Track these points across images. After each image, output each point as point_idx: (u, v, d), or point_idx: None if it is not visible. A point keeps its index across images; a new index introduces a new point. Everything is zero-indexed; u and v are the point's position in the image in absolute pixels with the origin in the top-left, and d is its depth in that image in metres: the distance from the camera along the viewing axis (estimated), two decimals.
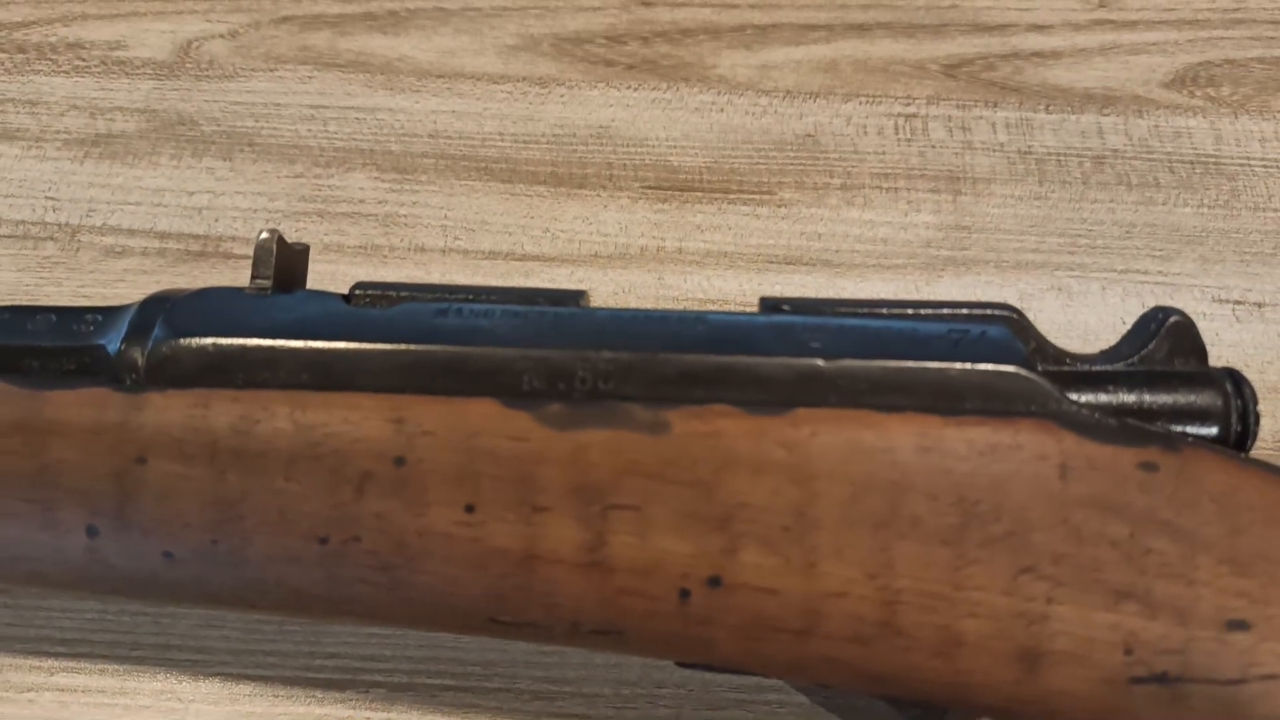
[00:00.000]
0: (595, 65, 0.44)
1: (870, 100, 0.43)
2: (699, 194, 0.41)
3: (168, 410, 0.24)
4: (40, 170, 0.41)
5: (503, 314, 0.26)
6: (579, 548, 0.23)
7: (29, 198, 0.40)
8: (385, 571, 0.24)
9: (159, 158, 0.41)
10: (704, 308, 0.38)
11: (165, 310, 0.26)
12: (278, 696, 0.32)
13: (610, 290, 0.39)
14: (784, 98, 0.43)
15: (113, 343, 0.25)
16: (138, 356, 0.25)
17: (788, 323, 0.25)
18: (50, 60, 0.44)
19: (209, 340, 0.25)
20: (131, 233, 0.40)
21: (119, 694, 0.32)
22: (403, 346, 0.25)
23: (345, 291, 0.27)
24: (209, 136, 0.42)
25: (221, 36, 0.44)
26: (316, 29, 0.44)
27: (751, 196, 0.41)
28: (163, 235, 0.40)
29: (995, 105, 0.43)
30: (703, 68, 0.44)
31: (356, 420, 0.24)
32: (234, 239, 0.40)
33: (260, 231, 0.27)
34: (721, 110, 0.43)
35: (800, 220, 0.40)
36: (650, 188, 0.41)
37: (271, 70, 0.43)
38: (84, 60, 0.44)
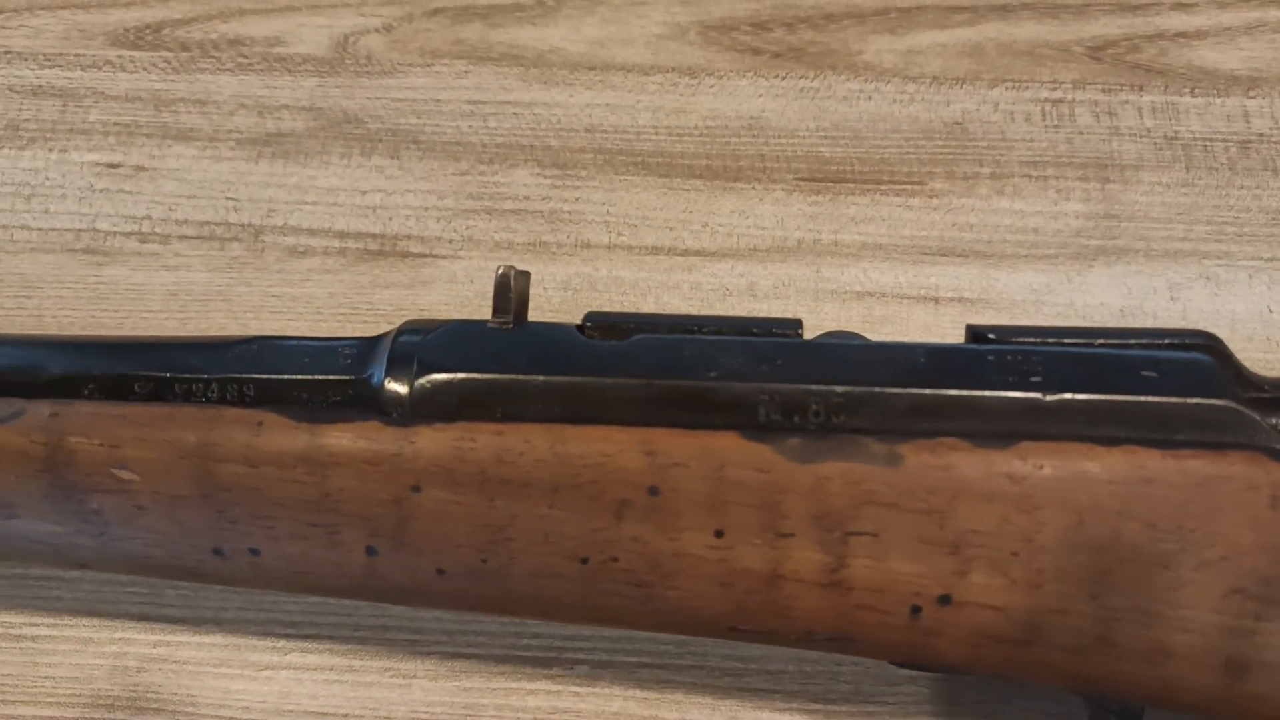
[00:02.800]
0: (743, 54, 0.44)
1: (1016, 85, 0.43)
2: (851, 185, 0.42)
3: (437, 443, 0.27)
4: (218, 170, 0.43)
5: (732, 345, 0.28)
6: (820, 569, 0.26)
7: (210, 198, 0.42)
8: (639, 588, 0.27)
9: (329, 156, 0.43)
10: (862, 301, 0.40)
11: (421, 346, 0.28)
12: (491, 673, 0.35)
13: (770, 285, 0.40)
14: (930, 84, 0.43)
15: (375, 376, 0.28)
16: (403, 391, 0.27)
17: (1005, 354, 0.27)
18: (213, 58, 0.45)
19: (468, 375, 0.27)
20: (312, 232, 0.42)
21: (347, 671, 0.36)
22: (647, 381, 0.27)
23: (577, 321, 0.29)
24: (375, 134, 0.43)
25: (376, 31, 0.45)
26: (468, 21, 0.45)
27: (903, 187, 0.42)
28: (342, 235, 0.42)
29: (1141, 89, 0.43)
30: (848, 54, 0.44)
31: (612, 453, 0.26)
32: (409, 237, 0.41)
33: (498, 268, 0.29)
34: (869, 99, 0.43)
35: (952, 211, 0.41)
36: (803, 179, 0.42)
37: (428, 65, 0.44)
38: (246, 58, 0.45)
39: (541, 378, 0.27)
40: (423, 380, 0.27)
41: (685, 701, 0.35)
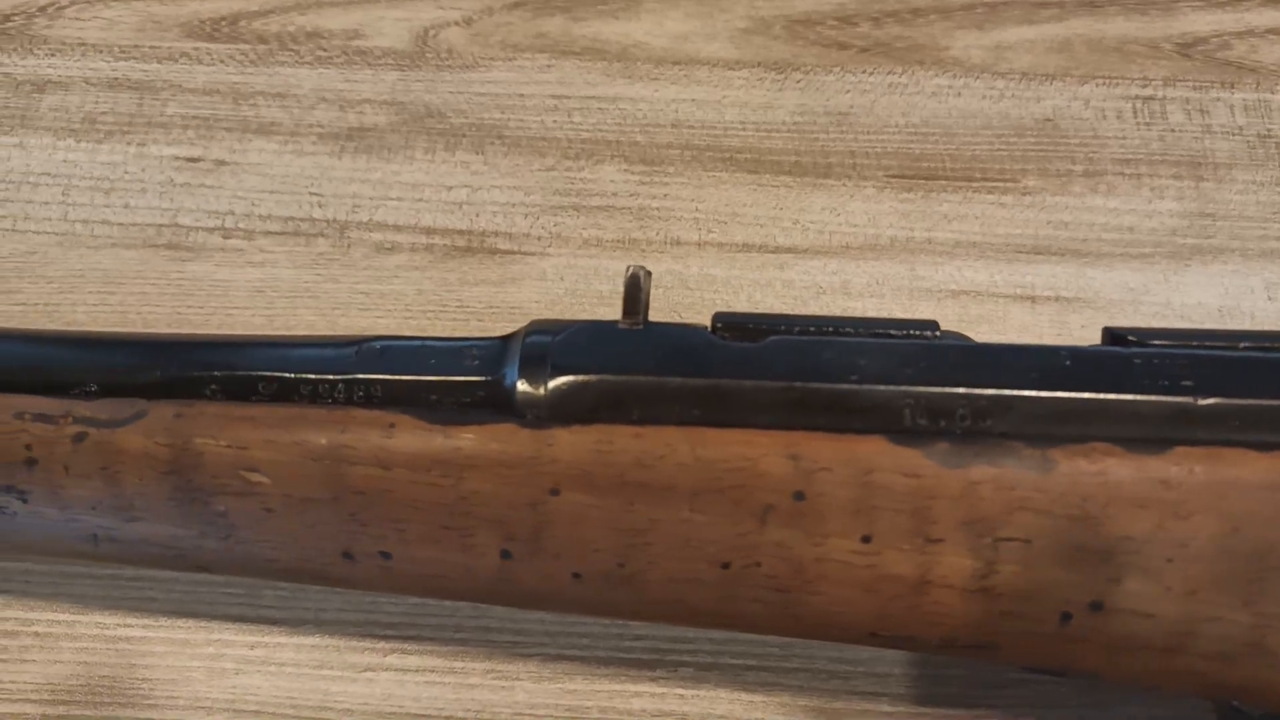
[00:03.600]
0: (828, 49, 0.44)
1: (1107, 82, 0.43)
2: (943, 182, 0.41)
3: (576, 446, 0.26)
4: (300, 165, 0.42)
5: (871, 347, 0.27)
6: (969, 576, 0.25)
7: (294, 194, 0.42)
8: (781, 593, 0.26)
9: (413, 152, 0.42)
10: (957, 299, 0.40)
11: (553, 347, 0.27)
12: (594, 675, 0.35)
13: (864, 283, 0.40)
14: (1020, 80, 0.43)
15: (508, 377, 0.27)
16: (538, 393, 0.27)
17: (1152, 358, 0.26)
18: (292, 51, 0.44)
19: (604, 377, 0.27)
20: (398, 228, 0.41)
21: (449, 673, 0.35)
22: (788, 384, 0.26)
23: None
24: (458, 129, 0.43)
25: (456, 24, 0.45)
26: (549, 15, 0.45)
27: (995, 184, 0.41)
28: (428, 231, 0.41)
29: (1232, 86, 0.43)
30: (936, 49, 0.44)
31: (755, 456, 0.26)
32: (497, 234, 0.41)
33: (629, 268, 0.29)
34: (958, 95, 0.43)
35: (1045, 209, 0.41)
36: (894, 176, 0.42)
37: (510, 59, 0.44)
38: (325, 51, 0.44)
39: (678, 380, 0.26)
40: (558, 382, 0.27)
41: (791, 704, 0.35)
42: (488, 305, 0.40)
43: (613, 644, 0.36)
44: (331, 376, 0.28)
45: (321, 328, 0.40)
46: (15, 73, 0.44)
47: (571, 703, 0.35)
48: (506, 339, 0.29)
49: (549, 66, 0.44)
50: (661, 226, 0.41)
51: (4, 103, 0.43)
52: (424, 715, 0.35)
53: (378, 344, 0.29)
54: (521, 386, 0.27)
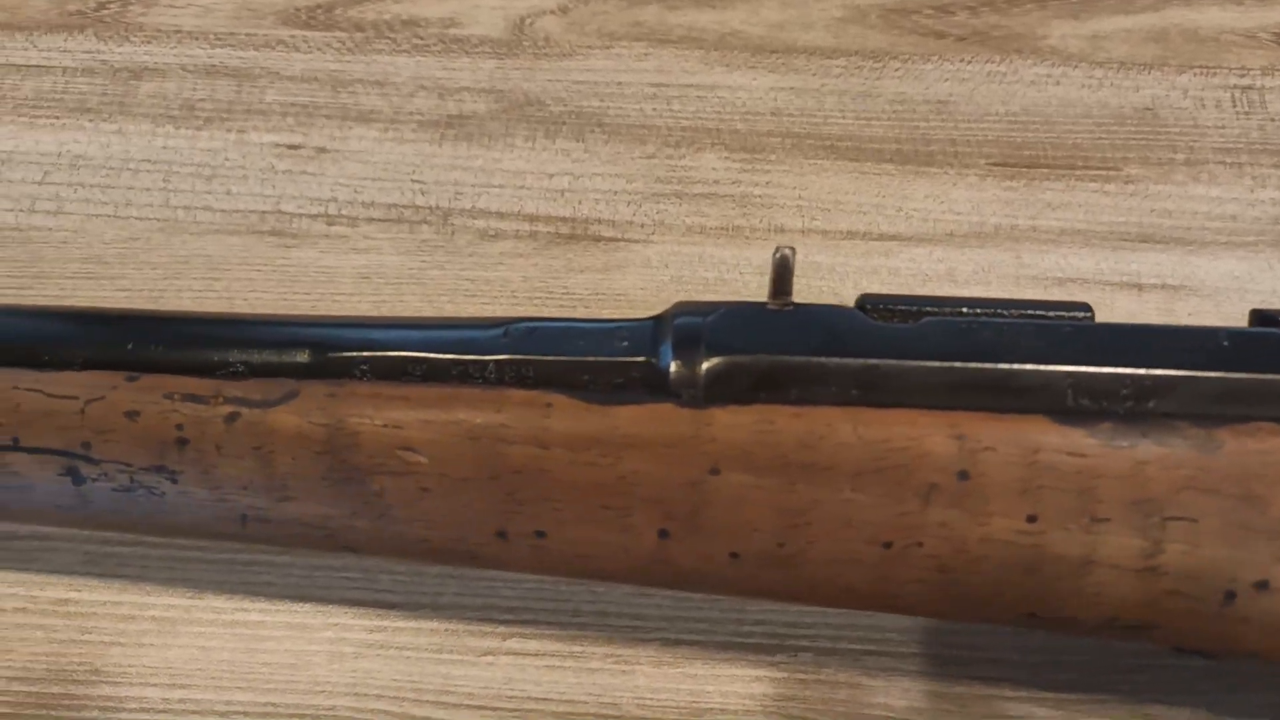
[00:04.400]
0: (925, 37, 0.44)
1: (1204, 71, 0.43)
2: (1045, 170, 0.42)
3: (735, 426, 0.26)
4: (401, 153, 0.42)
5: (1029, 329, 0.27)
6: (1135, 555, 0.25)
7: (396, 181, 0.42)
8: (942, 574, 0.26)
9: (513, 139, 0.42)
10: (1064, 287, 0.40)
11: (706, 328, 0.27)
12: (714, 660, 0.35)
13: (970, 270, 0.40)
14: (1118, 70, 0.43)
15: (662, 358, 0.27)
16: (694, 373, 0.27)
17: None
18: (389, 39, 0.44)
19: (762, 358, 0.27)
20: (501, 215, 0.41)
21: (569, 657, 0.36)
22: (948, 364, 0.26)
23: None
24: (558, 117, 0.43)
25: (552, 12, 0.45)
26: (644, 3, 0.45)
27: (1098, 173, 0.41)
28: (531, 218, 0.41)
29: None
30: (1033, 38, 0.44)
31: (917, 436, 0.26)
32: (600, 221, 0.41)
33: (777, 250, 0.29)
34: (1057, 84, 0.43)
35: (1148, 197, 0.41)
36: (996, 164, 0.42)
37: (607, 48, 0.44)
38: (421, 39, 0.44)
39: (837, 360, 0.26)
40: (714, 362, 0.27)
41: (912, 689, 0.35)
42: (593, 292, 0.40)
43: (731, 629, 0.36)
44: (483, 357, 0.28)
45: (429, 314, 0.40)
46: (112, 60, 0.44)
47: (692, 688, 0.35)
48: (652, 321, 0.29)
49: (646, 55, 0.44)
50: (765, 214, 0.41)
51: (102, 90, 0.44)
52: (546, 699, 0.35)
53: (525, 325, 0.29)
54: (676, 367, 0.27)
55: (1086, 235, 0.41)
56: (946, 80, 0.43)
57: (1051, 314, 0.28)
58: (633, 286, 0.40)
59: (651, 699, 0.35)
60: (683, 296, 0.41)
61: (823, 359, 0.27)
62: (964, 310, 0.28)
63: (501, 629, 0.36)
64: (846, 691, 0.35)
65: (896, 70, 0.44)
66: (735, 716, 0.35)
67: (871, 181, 0.42)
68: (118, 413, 0.28)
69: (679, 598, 0.36)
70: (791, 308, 0.28)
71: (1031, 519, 0.26)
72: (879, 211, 0.41)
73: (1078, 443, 0.25)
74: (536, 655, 0.36)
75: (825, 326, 0.28)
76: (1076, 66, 0.43)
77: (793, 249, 0.28)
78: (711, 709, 0.35)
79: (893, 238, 0.41)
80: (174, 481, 0.28)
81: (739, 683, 0.35)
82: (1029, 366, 0.26)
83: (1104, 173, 0.41)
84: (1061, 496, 0.26)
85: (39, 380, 0.29)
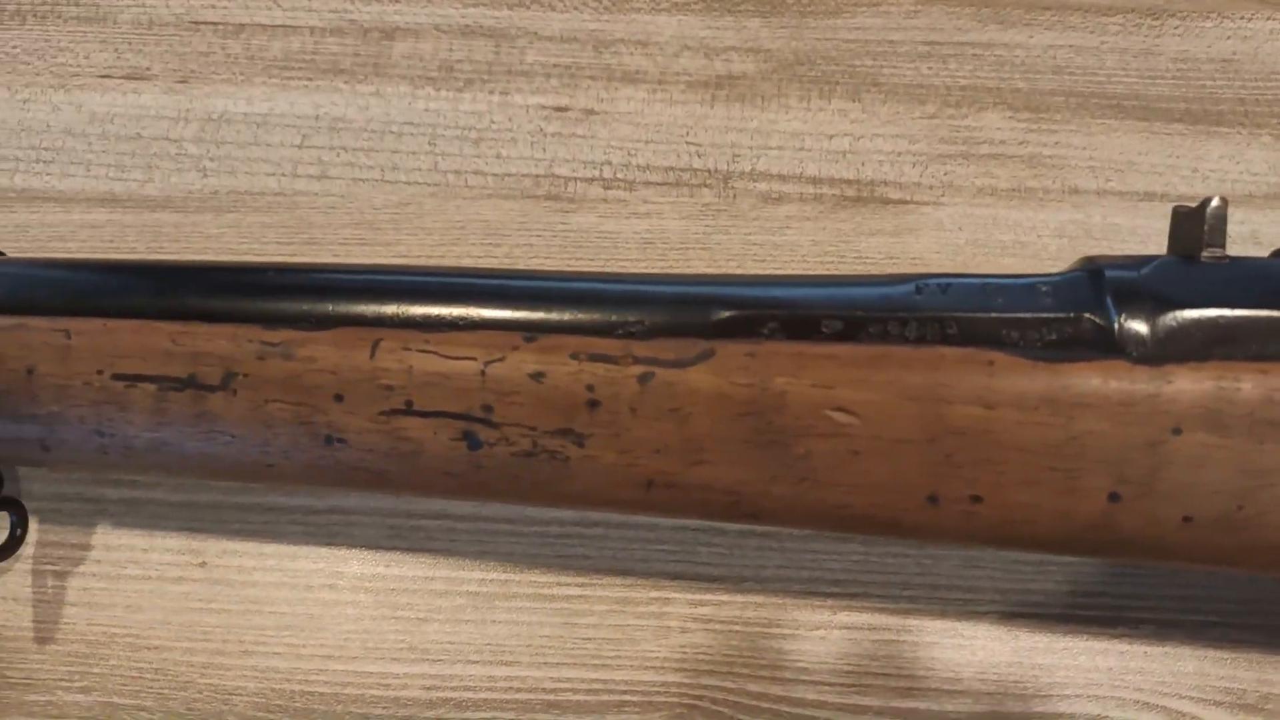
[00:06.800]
0: None
1: None
2: None
3: (1197, 383, 0.25)
4: (672, 114, 0.41)
5: None
6: None
7: (670, 143, 0.40)
8: None
9: (787, 100, 0.41)
10: None
11: (1144, 281, 0.26)
12: (1052, 633, 0.34)
13: (1276, 232, 0.39)
14: None
15: (1107, 314, 0.26)
16: (1143, 329, 0.26)
17: None
18: None
19: (1215, 312, 0.26)
20: (783, 178, 0.40)
21: (903, 631, 0.34)
22: None
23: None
24: (831, 76, 0.41)
25: None
26: None
27: None
28: (814, 180, 0.40)
29: None
30: None
31: None
32: (886, 183, 0.40)
33: (1211, 200, 0.27)
34: None
35: None
36: None
37: (875, 5, 0.42)
38: None
39: None
40: (1168, 317, 0.25)
41: (1262, 661, 0.34)
42: (886, 255, 0.39)
43: (1066, 600, 0.35)
44: (903, 314, 0.27)
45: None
46: (361, 19, 0.43)
47: (1033, 661, 0.34)
48: (1074, 275, 0.27)
49: (916, 12, 0.43)
50: (1056, 175, 0.40)
51: (354, 50, 0.42)
52: (885, 675, 0.34)
53: (938, 281, 0.28)
54: (1125, 322, 0.26)
55: None
56: (1229, 38, 0.42)
57: None
58: (927, 250, 0.39)
59: (994, 674, 0.34)
60: (981, 260, 0.40)
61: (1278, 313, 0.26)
62: None
63: (831, 602, 0.35)
64: (1194, 664, 0.34)
65: (1176, 28, 0.42)
66: (1079, 690, 0.34)
67: (1162, 142, 0.41)
68: (522, 374, 0.27)
69: (1009, 569, 0.35)
70: (1228, 260, 0.27)
71: None
72: (1174, 173, 0.40)
73: None
74: (868, 629, 0.35)
75: (1271, 280, 0.27)
76: None
77: (1224, 198, 0.27)
78: (1056, 683, 0.34)
79: (1191, 200, 0.39)
80: (580, 446, 0.27)
81: (1082, 655, 0.34)
82: None
83: None
84: None
85: (429, 340, 0.28)
